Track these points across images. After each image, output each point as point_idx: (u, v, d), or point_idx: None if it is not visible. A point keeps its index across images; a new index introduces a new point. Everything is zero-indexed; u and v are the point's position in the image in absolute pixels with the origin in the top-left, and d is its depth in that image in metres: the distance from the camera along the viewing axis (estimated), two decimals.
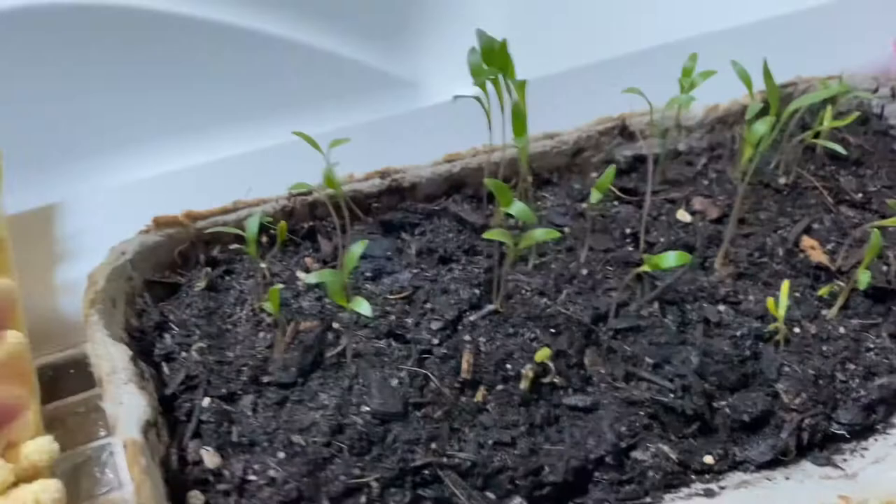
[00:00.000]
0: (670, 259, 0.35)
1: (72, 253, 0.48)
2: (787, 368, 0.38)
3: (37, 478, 0.34)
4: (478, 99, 0.37)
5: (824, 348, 0.39)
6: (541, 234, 0.34)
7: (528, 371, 0.37)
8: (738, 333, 0.39)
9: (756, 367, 0.39)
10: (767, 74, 0.36)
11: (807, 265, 0.43)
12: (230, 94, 0.72)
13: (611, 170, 0.38)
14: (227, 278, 0.42)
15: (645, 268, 0.36)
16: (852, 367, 0.39)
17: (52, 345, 0.44)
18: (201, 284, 0.41)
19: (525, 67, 0.39)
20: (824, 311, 0.41)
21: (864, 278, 0.38)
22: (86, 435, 0.41)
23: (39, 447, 0.34)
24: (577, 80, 0.59)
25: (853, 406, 0.38)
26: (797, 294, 0.41)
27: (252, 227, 0.37)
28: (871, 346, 0.39)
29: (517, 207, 0.33)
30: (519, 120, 0.35)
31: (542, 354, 0.37)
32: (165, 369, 0.37)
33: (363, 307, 0.33)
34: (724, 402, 0.37)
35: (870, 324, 0.40)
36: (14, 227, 0.44)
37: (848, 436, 0.37)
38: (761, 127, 0.37)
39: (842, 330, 0.40)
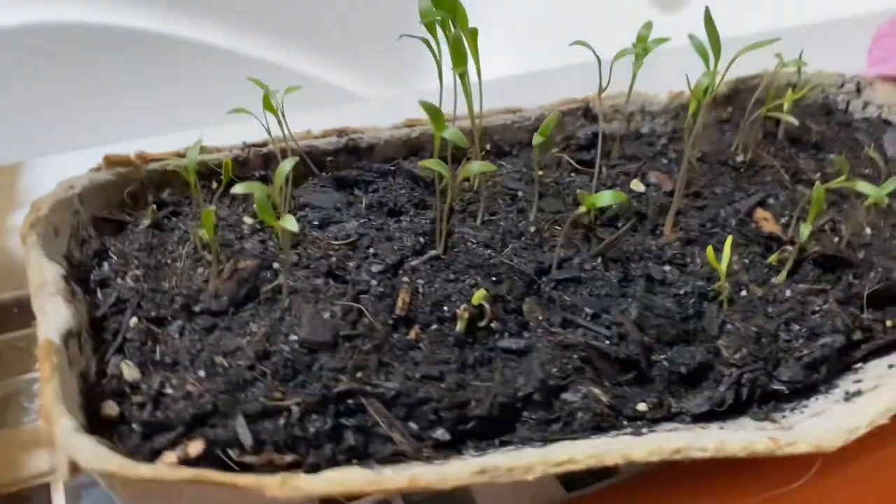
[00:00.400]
0: (606, 198, 0.35)
1: (30, 201, 0.48)
2: (729, 326, 0.38)
3: None
4: (426, 41, 0.37)
5: (769, 309, 0.39)
6: (477, 167, 0.34)
7: (463, 311, 0.36)
8: (682, 291, 0.39)
9: (698, 325, 0.38)
10: (709, 20, 0.36)
11: (758, 234, 0.42)
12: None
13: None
14: (175, 219, 0.42)
15: (582, 209, 0.36)
16: (796, 327, 0.38)
17: None
18: (146, 222, 0.41)
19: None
20: (774, 279, 0.40)
21: (804, 231, 0.38)
22: (21, 368, 0.41)
23: None
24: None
25: (795, 364, 0.37)
26: (746, 261, 0.41)
27: (192, 156, 0.37)
28: (817, 308, 0.39)
29: (450, 132, 0.33)
30: (458, 48, 0.35)
31: (479, 296, 0.37)
32: (99, 294, 0.37)
33: (290, 223, 0.33)
34: (662, 356, 0.37)
35: (818, 289, 0.40)
36: None
37: (788, 393, 0.36)
38: (705, 79, 0.38)
39: (788, 293, 0.39)
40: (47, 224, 0.38)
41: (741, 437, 0.31)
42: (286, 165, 0.34)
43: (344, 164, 0.45)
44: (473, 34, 0.39)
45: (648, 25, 0.42)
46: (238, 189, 0.33)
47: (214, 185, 0.43)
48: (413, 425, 0.34)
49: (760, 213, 0.43)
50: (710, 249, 0.37)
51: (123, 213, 0.42)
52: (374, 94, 0.78)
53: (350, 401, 0.34)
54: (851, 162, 0.47)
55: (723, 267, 0.37)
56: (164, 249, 0.40)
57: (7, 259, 0.44)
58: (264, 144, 0.44)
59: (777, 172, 0.46)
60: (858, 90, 0.52)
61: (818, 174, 0.46)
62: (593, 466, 0.30)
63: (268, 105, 0.37)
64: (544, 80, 0.60)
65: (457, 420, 0.34)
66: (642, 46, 0.42)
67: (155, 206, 0.42)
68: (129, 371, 0.33)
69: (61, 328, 0.33)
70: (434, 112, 0.33)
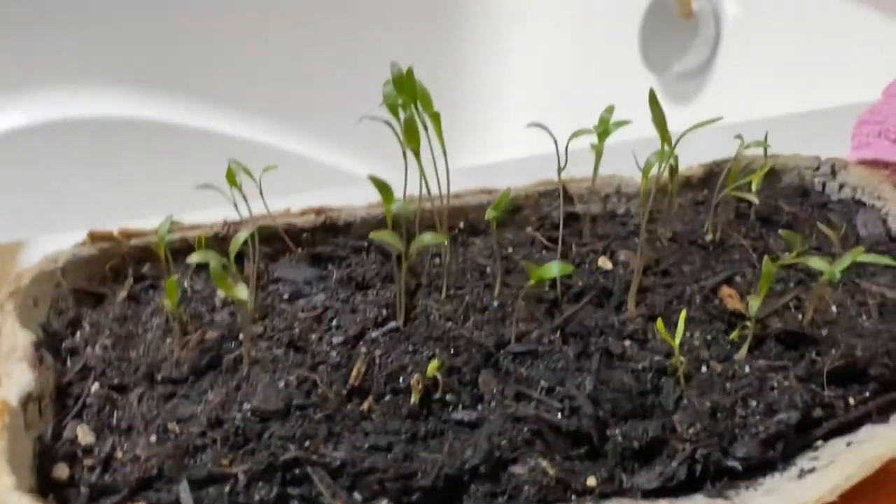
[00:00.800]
0: (553, 269, 0.36)
1: None
2: (685, 401, 0.38)
3: None
4: (388, 123, 0.39)
5: (727, 385, 0.38)
6: (429, 237, 0.35)
7: (416, 382, 0.37)
8: (640, 366, 0.39)
9: (655, 400, 0.38)
10: (653, 101, 0.38)
11: (722, 311, 0.42)
12: None
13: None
14: (151, 292, 0.43)
15: (531, 283, 0.36)
16: (753, 403, 0.38)
17: None
18: (123, 294, 0.43)
19: None
20: (735, 355, 0.40)
21: (753, 305, 0.38)
22: None
23: None
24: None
25: (750, 441, 0.36)
26: (709, 337, 0.41)
27: (162, 232, 0.39)
28: (776, 385, 0.38)
29: (399, 205, 0.35)
30: (410, 126, 0.37)
31: (433, 367, 0.37)
32: (69, 363, 0.39)
33: (242, 293, 0.34)
34: (616, 430, 0.37)
35: (778, 366, 0.39)
36: None
37: (743, 470, 0.36)
38: (654, 157, 0.39)
39: (747, 369, 0.39)
40: (27, 295, 0.40)
41: None
42: (240, 236, 0.35)
43: (321, 241, 0.47)
44: (436, 118, 0.41)
45: (610, 109, 0.44)
46: (193, 258, 0.34)
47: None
48: (357, 496, 0.34)
49: (726, 291, 0.43)
50: (659, 323, 0.38)
51: (104, 286, 0.44)
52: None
53: (297, 470, 0.34)
54: (821, 241, 0.47)
55: (676, 341, 0.37)
56: (136, 321, 0.41)
57: None
58: (245, 222, 0.46)
59: (745, 251, 0.46)
60: (833, 172, 0.52)
61: (787, 253, 0.46)
62: None
63: (231, 180, 0.39)
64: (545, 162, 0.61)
65: (402, 491, 0.34)
66: (603, 128, 0.43)
67: (132, 280, 0.43)
68: (84, 435, 0.34)
69: (21, 392, 0.34)
70: (382, 186, 0.35)
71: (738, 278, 0.45)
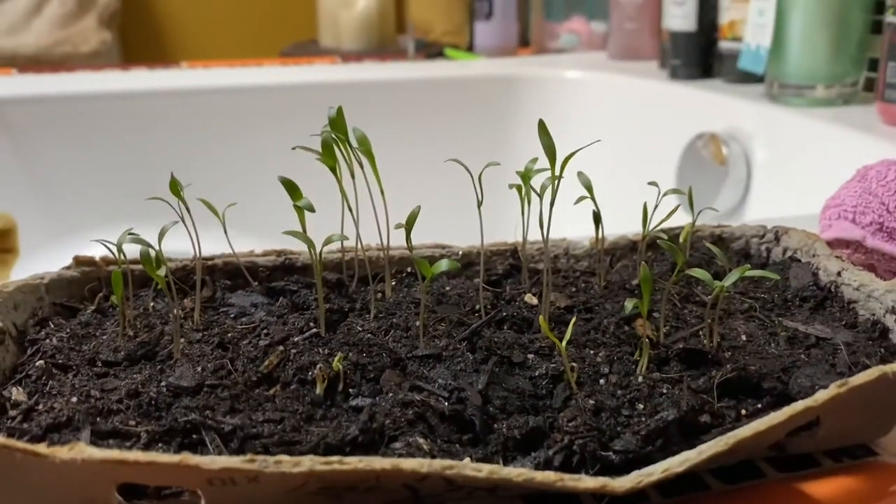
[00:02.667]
0: (442, 265, 0.39)
1: None
2: (573, 402, 0.39)
3: None
4: (321, 160, 0.45)
5: (618, 392, 0.40)
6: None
7: (318, 372, 0.40)
8: (537, 373, 0.41)
9: (547, 403, 0.39)
10: (544, 130, 0.42)
11: (632, 336, 0.44)
12: None
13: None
14: (117, 308, 0.49)
15: (426, 282, 0.40)
16: (640, 406, 0.39)
17: None
18: (92, 307, 0.48)
19: None
20: (636, 371, 0.42)
21: (628, 305, 0.40)
22: None
23: None
24: None
25: (631, 437, 0.37)
26: (614, 357, 0.43)
27: (121, 243, 0.45)
28: (665, 392, 0.39)
29: (305, 202, 0.40)
30: (328, 149, 0.42)
31: (338, 360, 0.40)
32: (28, 351, 0.44)
33: (161, 272, 0.39)
34: (503, 425, 0.38)
35: (674, 378, 0.40)
36: None
37: (621, 463, 0.36)
38: (547, 182, 0.43)
39: (640, 380, 0.40)
40: (9, 298, 0.46)
41: (522, 470, 0.32)
42: (162, 233, 0.41)
43: (278, 279, 0.52)
44: (371, 157, 0.47)
45: (534, 160, 0.48)
46: (129, 241, 0.40)
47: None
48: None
49: (640, 322, 0.45)
50: (542, 319, 0.40)
51: (80, 303, 0.49)
52: None
53: (194, 435, 0.37)
54: (752, 294, 0.49)
55: (563, 344, 0.39)
56: (97, 326, 0.46)
57: None
58: (211, 258, 0.52)
59: (670, 294, 0.48)
60: (777, 238, 0.54)
61: (709, 297, 0.48)
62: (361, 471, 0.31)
63: (174, 191, 0.44)
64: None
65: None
66: (526, 175, 0.47)
67: (103, 297, 0.49)
68: (18, 395, 0.39)
69: None
70: (289, 186, 0.40)
71: (655, 314, 0.46)
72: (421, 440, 0.37)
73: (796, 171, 1.13)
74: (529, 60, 1.67)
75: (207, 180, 1.47)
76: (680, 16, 1.35)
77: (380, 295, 0.50)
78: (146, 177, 1.44)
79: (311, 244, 0.41)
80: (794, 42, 1.12)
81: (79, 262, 0.50)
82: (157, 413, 0.38)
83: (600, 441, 0.37)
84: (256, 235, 0.77)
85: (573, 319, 0.41)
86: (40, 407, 0.38)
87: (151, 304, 0.49)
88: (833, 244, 0.60)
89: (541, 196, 0.46)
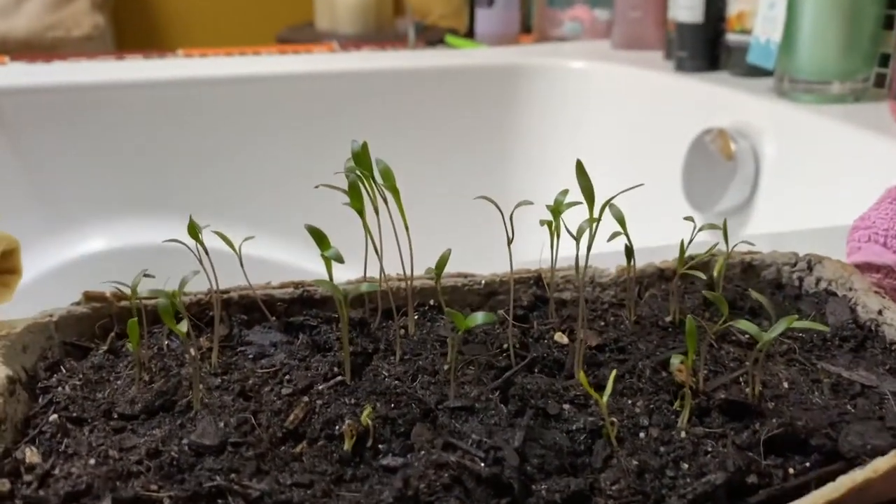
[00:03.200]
0: (478, 318, 0.37)
1: None
2: (614, 461, 0.37)
3: None
4: (345, 191, 0.43)
5: (661, 449, 0.38)
6: (365, 286, 0.38)
7: (347, 427, 0.38)
8: (574, 427, 0.39)
9: (585, 460, 0.38)
10: (581, 171, 0.40)
11: (669, 383, 0.42)
12: None
13: None
14: (131, 351, 0.47)
15: (460, 333, 0.38)
16: (685, 466, 0.37)
17: None
18: (104, 347, 0.46)
19: None
20: (677, 424, 0.40)
21: (674, 361, 0.38)
22: None
23: None
24: None
25: (677, 500, 0.36)
26: (652, 406, 0.41)
27: (134, 298, 0.43)
28: (710, 449, 0.38)
29: (333, 252, 0.38)
30: (355, 190, 0.40)
31: (366, 414, 0.39)
32: (40, 399, 0.42)
33: (182, 327, 0.37)
34: (542, 486, 0.37)
35: (717, 434, 0.39)
36: None
37: None
38: (585, 224, 0.41)
39: (683, 435, 0.39)
40: (17, 340, 0.44)
41: None
42: (188, 277, 0.39)
43: (296, 312, 0.50)
44: (396, 192, 0.45)
45: (565, 192, 0.46)
46: (147, 294, 0.38)
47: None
48: None
49: (676, 366, 0.43)
50: (582, 375, 0.38)
51: (92, 341, 0.47)
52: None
53: (219, 500, 0.35)
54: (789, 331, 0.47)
55: (604, 399, 0.38)
56: (110, 369, 0.45)
57: None
58: (227, 291, 0.50)
59: (704, 333, 0.46)
60: (810, 268, 0.52)
61: (747, 336, 0.46)
62: None
63: (192, 234, 0.42)
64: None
65: None
66: (556, 210, 0.45)
67: (115, 335, 0.47)
68: (32, 456, 0.37)
69: None
70: (316, 234, 0.38)
71: (693, 356, 0.45)
72: None
73: (806, 170, 1.11)
74: (532, 49, 1.64)
75: (205, 171, 1.45)
76: (687, 7, 1.32)
77: (402, 331, 0.48)
78: (142, 168, 1.43)
79: (341, 297, 0.39)
80: (806, 36, 1.10)
81: (89, 297, 0.48)
82: (179, 476, 0.36)
83: None
84: (254, 227, 0.74)
85: (613, 374, 0.39)
86: (57, 471, 0.36)
87: (166, 342, 0.47)
88: (862, 268, 0.58)
89: (577, 239, 0.44)
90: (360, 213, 0.42)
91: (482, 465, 0.37)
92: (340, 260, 0.38)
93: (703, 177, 1.24)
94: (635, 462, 0.37)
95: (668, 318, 0.48)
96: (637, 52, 1.51)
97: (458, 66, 1.53)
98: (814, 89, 1.12)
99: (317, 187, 0.42)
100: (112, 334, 0.47)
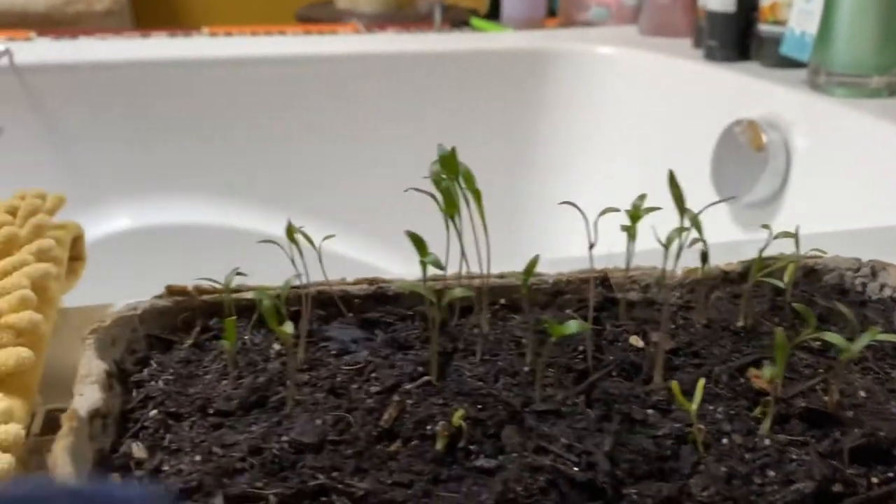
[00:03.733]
0: (572, 326, 0.38)
1: None
2: (702, 467, 0.38)
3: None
4: (433, 196, 0.44)
5: (746, 456, 0.39)
6: (459, 291, 0.39)
7: (441, 429, 0.39)
8: (660, 433, 0.40)
9: (673, 466, 0.39)
10: (672, 181, 0.41)
11: (747, 389, 0.43)
12: None
13: None
14: (215, 342, 0.48)
15: (552, 339, 0.39)
16: (772, 473, 0.38)
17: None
18: (189, 341, 0.47)
19: None
20: (758, 431, 0.41)
21: (766, 372, 0.39)
22: None
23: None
24: None
25: None
26: (732, 412, 0.42)
27: (227, 293, 0.43)
28: (795, 457, 0.39)
29: (432, 258, 0.39)
30: (448, 195, 0.41)
31: (458, 416, 0.40)
32: (134, 393, 0.43)
33: (288, 328, 0.38)
34: (633, 490, 0.38)
35: (800, 441, 0.40)
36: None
37: None
38: (674, 233, 0.42)
39: (767, 442, 0.40)
40: (106, 334, 0.45)
41: None
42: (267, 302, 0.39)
43: (371, 308, 0.51)
44: (478, 195, 0.45)
45: (643, 197, 0.47)
46: (249, 294, 0.39)
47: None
48: None
49: (753, 372, 0.45)
50: (675, 384, 0.39)
51: (175, 334, 0.48)
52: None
53: (323, 497, 0.37)
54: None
55: (693, 407, 0.39)
56: (198, 364, 0.46)
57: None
58: (305, 287, 0.50)
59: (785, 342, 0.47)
60: (874, 273, 0.53)
61: (819, 343, 0.47)
62: None
63: (290, 236, 0.43)
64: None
65: None
66: (634, 214, 0.46)
67: (199, 330, 0.48)
68: (139, 451, 0.38)
69: (90, 406, 0.38)
70: (417, 241, 0.39)
71: (766, 362, 0.46)
72: None
73: (839, 164, 1.11)
74: (559, 34, 1.64)
75: (231, 151, 1.46)
76: None
77: (476, 330, 0.49)
78: (169, 148, 1.43)
79: (433, 300, 0.40)
80: (842, 30, 1.10)
81: (171, 291, 0.49)
82: (282, 473, 0.37)
83: None
84: (283, 209, 0.75)
85: (701, 382, 0.40)
86: (166, 468, 0.37)
87: (247, 336, 0.48)
88: None
89: (667, 247, 0.44)
90: (453, 218, 0.42)
91: (576, 469, 0.38)
92: (440, 266, 0.39)
93: (733, 168, 1.25)
94: (723, 468, 0.38)
95: (740, 323, 0.49)
96: (665, 39, 1.51)
97: (484, 50, 1.52)
98: (849, 83, 1.12)
99: (406, 191, 0.43)
100: (197, 329, 0.48)
